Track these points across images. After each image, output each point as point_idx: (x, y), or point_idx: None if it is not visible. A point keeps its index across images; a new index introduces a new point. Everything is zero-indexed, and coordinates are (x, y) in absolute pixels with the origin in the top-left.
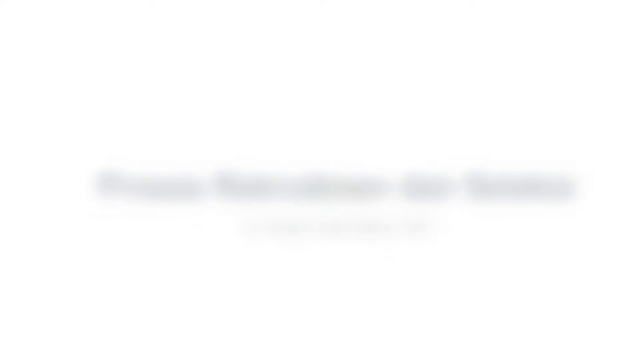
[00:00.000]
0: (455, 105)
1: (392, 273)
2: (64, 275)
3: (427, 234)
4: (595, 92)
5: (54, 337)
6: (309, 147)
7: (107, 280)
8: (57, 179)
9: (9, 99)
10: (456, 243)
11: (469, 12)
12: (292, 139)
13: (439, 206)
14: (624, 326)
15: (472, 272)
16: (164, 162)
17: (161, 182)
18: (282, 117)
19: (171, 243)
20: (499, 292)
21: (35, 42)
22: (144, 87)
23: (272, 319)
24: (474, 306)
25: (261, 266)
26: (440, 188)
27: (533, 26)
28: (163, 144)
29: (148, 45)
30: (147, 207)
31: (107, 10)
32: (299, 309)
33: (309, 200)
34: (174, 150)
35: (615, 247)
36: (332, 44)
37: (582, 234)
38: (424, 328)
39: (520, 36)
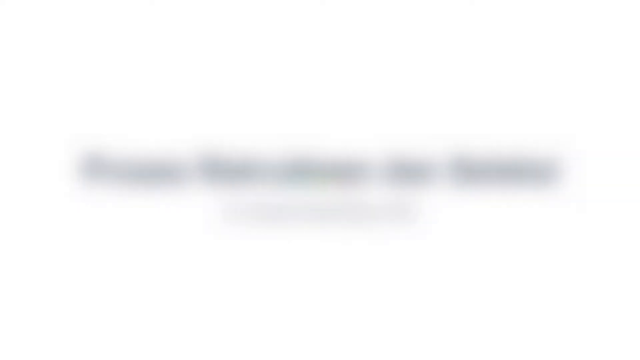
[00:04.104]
0: (439, 89)
1: (376, 259)
2: (45, 262)
3: (411, 219)
4: (581, 76)
5: (36, 325)
6: (292, 132)
7: (90, 268)
8: (37, 164)
9: None
10: (441, 229)
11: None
12: (275, 123)
13: (422, 191)
14: (610, 310)
15: (458, 258)
16: (146, 146)
17: (144, 166)
18: (265, 101)
19: (154, 228)
20: (485, 280)
21: (14, 28)
22: (126, 70)
23: (256, 306)
24: (459, 293)
25: (244, 252)
26: (424, 173)
27: (519, 13)
28: (146, 128)
29: (129, 30)
30: (130, 191)
31: None
32: (283, 296)
33: (292, 185)
34: (156, 135)
35: (603, 232)
36: (315, 29)
37: (567, 217)
38: (409, 316)
39: (504, 20)
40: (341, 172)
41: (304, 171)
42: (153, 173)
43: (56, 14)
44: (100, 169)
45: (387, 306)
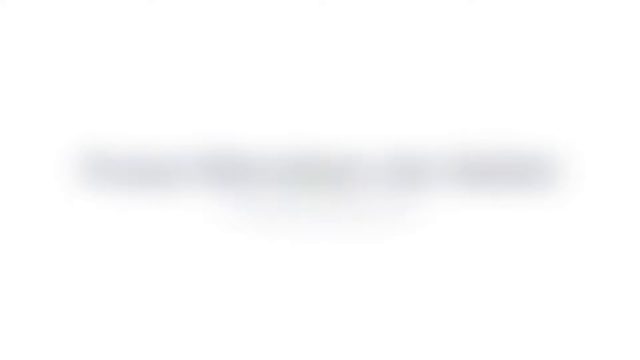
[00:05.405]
0: (439, 90)
1: (375, 261)
2: (45, 263)
3: (411, 220)
4: (581, 76)
5: (36, 326)
6: (292, 133)
7: (90, 268)
8: (39, 164)
9: None
10: (441, 230)
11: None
12: (274, 124)
13: (422, 192)
14: (611, 310)
15: (458, 260)
16: (148, 146)
17: (146, 167)
18: (265, 103)
19: (155, 229)
20: (485, 281)
21: (14, 28)
22: (127, 71)
23: (256, 307)
24: (459, 294)
25: (244, 254)
26: (424, 174)
27: (519, 13)
28: (147, 129)
29: (129, 29)
30: (131, 192)
31: None
32: (283, 297)
33: (292, 187)
34: (157, 135)
35: (603, 233)
36: (315, 29)
37: (567, 217)
38: (409, 318)
39: (504, 20)
40: (341, 173)
41: (304, 172)
42: (154, 173)
43: (56, 14)
44: (102, 170)
45: (387, 307)
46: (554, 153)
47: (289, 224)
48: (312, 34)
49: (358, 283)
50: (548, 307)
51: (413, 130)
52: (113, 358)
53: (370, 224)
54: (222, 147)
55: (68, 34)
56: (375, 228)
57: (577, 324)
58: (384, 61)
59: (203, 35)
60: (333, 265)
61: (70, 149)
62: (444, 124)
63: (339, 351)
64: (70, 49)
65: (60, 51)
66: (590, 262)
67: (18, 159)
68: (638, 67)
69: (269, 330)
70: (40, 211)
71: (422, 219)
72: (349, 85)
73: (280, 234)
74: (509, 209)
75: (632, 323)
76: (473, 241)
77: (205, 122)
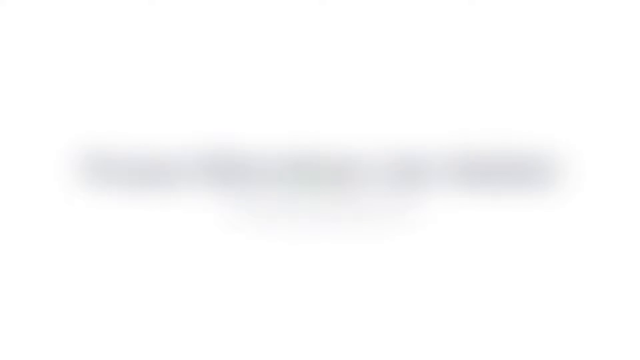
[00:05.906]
0: (439, 90)
1: (375, 261)
2: (45, 263)
3: (411, 221)
4: (581, 76)
5: (36, 326)
6: (292, 133)
7: (90, 269)
8: (40, 164)
9: None
10: (441, 231)
11: None
12: (274, 125)
13: (422, 193)
14: (612, 311)
15: (457, 260)
16: (148, 146)
17: (146, 167)
18: (265, 103)
19: (155, 229)
20: (486, 282)
21: (14, 28)
22: (127, 71)
23: (256, 308)
24: (459, 295)
25: (244, 255)
26: (424, 174)
27: (519, 13)
28: (147, 129)
29: (129, 29)
30: (131, 192)
31: None
32: (282, 298)
33: (291, 187)
34: (157, 135)
35: (603, 233)
36: (315, 29)
37: (566, 218)
38: (408, 317)
39: (504, 20)
40: (341, 173)
41: (304, 172)
42: (154, 173)
43: (56, 14)
44: (102, 170)
45: (387, 307)
46: (554, 153)
47: (289, 224)
48: (312, 34)
49: (358, 283)
50: (548, 306)
51: (413, 130)
52: (113, 358)
53: (370, 224)
54: (222, 147)
55: (68, 34)
56: (375, 228)
57: (577, 323)
58: (383, 61)
59: (203, 35)
60: (333, 265)
61: (70, 149)
62: (444, 124)
63: (339, 351)
64: (70, 49)
65: (60, 51)
66: (590, 262)
67: (18, 159)
68: (638, 67)
69: (269, 330)
70: (40, 211)
71: (422, 219)
72: (349, 85)
73: (280, 234)
74: (509, 209)
75: (632, 323)
76: (473, 241)
77: (205, 122)
